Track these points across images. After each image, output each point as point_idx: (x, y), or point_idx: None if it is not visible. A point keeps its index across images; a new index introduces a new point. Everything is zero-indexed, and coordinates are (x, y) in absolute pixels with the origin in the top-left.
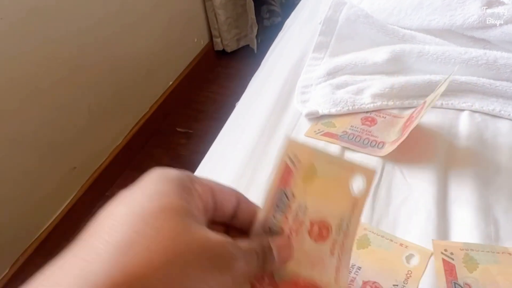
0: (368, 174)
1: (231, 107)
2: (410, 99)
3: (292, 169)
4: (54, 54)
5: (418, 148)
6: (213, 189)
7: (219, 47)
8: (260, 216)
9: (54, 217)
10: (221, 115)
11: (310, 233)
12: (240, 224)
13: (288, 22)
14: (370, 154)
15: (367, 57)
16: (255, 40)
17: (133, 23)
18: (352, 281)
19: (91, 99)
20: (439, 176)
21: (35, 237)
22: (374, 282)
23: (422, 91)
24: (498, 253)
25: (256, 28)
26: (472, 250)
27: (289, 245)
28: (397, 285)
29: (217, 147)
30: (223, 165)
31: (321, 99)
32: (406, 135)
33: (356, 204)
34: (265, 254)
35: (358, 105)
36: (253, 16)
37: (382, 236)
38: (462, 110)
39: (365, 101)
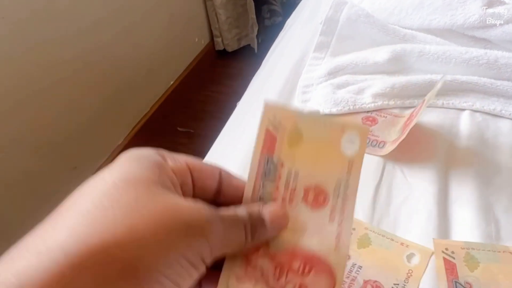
0: (361, 131)
1: (232, 107)
2: (411, 99)
3: (275, 134)
4: (54, 54)
5: (419, 148)
6: (191, 165)
7: (220, 46)
8: (247, 186)
9: None
10: (222, 115)
11: (305, 200)
12: (229, 202)
13: (289, 22)
14: (371, 154)
15: (368, 57)
16: (255, 40)
17: (134, 23)
18: (353, 280)
19: (91, 99)
20: (440, 176)
21: None
22: (375, 281)
23: (423, 91)
24: (499, 252)
25: (257, 27)
26: (473, 249)
27: (282, 212)
28: (398, 284)
29: (218, 147)
30: (224, 164)
31: (322, 99)
32: (406, 133)
33: (352, 165)
34: (254, 223)
35: (359, 104)
36: (254, 16)
37: (383, 236)
38: (463, 109)
39: (366, 100)
